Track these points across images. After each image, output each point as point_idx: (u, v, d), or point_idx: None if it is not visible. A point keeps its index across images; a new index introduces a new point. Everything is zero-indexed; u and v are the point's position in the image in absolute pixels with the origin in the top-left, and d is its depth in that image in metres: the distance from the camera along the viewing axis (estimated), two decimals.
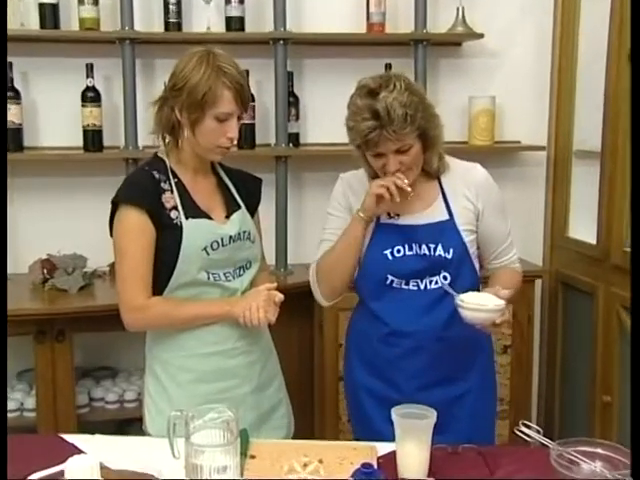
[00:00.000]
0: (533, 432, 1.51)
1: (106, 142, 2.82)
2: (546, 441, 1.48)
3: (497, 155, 3.14)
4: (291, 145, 2.91)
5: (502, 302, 1.67)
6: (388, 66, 2.84)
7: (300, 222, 3.04)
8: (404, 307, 1.83)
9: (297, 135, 2.96)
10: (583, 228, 2.95)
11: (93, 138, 2.77)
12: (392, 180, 1.76)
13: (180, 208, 1.73)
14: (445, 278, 1.82)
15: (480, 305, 1.66)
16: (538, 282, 3.10)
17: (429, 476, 1.47)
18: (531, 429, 1.51)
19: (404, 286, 1.83)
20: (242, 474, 1.47)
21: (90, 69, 2.75)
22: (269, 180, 2.84)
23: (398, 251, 1.83)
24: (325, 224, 1.94)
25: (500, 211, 1.90)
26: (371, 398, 1.90)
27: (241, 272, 1.82)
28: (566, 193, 3.10)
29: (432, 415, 1.47)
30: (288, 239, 2.95)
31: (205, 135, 1.71)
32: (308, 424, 2.82)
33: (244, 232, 1.82)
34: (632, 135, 1.74)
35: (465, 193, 1.85)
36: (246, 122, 2.29)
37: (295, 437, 1.91)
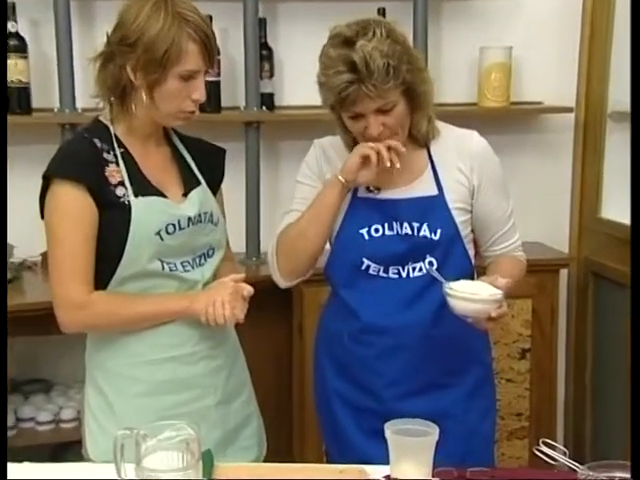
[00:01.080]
0: (558, 453, 1.53)
1: (35, 103, 2.81)
2: (573, 464, 1.50)
3: (514, 119, 3.16)
4: (264, 108, 2.91)
5: (499, 292, 1.71)
6: (381, 11, 2.84)
7: (275, 201, 3.04)
8: (382, 298, 1.86)
9: (271, 96, 2.96)
10: (619, 207, 2.97)
11: (19, 98, 2.76)
12: (385, 143, 1.79)
13: (128, 184, 1.73)
14: (431, 264, 1.85)
15: (473, 294, 1.69)
16: (563, 272, 3.14)
17: None
18: (556, 450, 1.53)
19: (382, 273, 1.87)
20: None
21: (12, 10, 2.72)
22: (238, 150, 2.84)
23: (376, 230, 1.86)
24: (293, 194, 1.96)
25: (500, 188, 1.93)
26: (345, 406, 1.94)
27: (202, 261, 1.83)
28: (598, 164, 3.13)
29: (434, 431, 1.49)
30: (261, 222, 2.96)
31: (167, 98, 1.72)
32: (285, 444, 2.85)
33: (205, 213, 1.83)
34: (632, 133, 1.76)
35: (458, 165, 1.88)
36: (210, 79, 2.28)
37: (268, 459, 1.94)
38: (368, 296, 1.87)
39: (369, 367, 1.90)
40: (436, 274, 1.78)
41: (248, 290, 1.75)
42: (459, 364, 1.93)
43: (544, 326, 2.98)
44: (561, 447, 1.55)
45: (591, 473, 1.44)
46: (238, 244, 2.67)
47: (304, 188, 1.94)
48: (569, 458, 1.53)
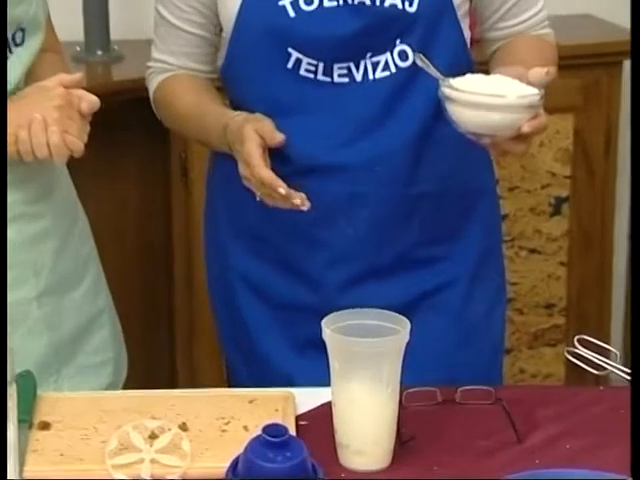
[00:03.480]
0: (611, 361, 1.59)
1: None
2: (625, 372, 1.57)
3: None
4: None
5: (534, 91, 1.69)
6: None
7: None
8: (324, 119, 1.89)
9: None
10: None
11: None
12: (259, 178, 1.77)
13: None
14: (403, 55, 1.86)
15: (492, 96, 1.66)
16: (625, 65, 3.15)
17: (398, 453, 1.55)
18: (610, 356, 1.59)
19: (322, 76, 1.88)
20: (23, 459, 1.51)
21: None
22: None
23: (308, 0, 1.85)
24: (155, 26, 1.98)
25: None
26: (258, 300, 2.00)
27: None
28: None
29: (403, 329, 1.52)
30: None
31: None
32: (161, 361, 2.94)
33: None
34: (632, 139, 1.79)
35: None
36: None
37: (133, 385, 1.97)
38: (300, 115, 1.89)
39: (301, 233, 1.93)
40: (424, 63, 1.76)
41: (89, 101, 1.75)
42: (453, 224, 1.98)
43: (594, 160, 3.04)
44: (611, 348, 1.61)
45: None
46: (73, 28, 2.65)
47: (170, 31, 1.96)
48: (621, 365, 1.59)
